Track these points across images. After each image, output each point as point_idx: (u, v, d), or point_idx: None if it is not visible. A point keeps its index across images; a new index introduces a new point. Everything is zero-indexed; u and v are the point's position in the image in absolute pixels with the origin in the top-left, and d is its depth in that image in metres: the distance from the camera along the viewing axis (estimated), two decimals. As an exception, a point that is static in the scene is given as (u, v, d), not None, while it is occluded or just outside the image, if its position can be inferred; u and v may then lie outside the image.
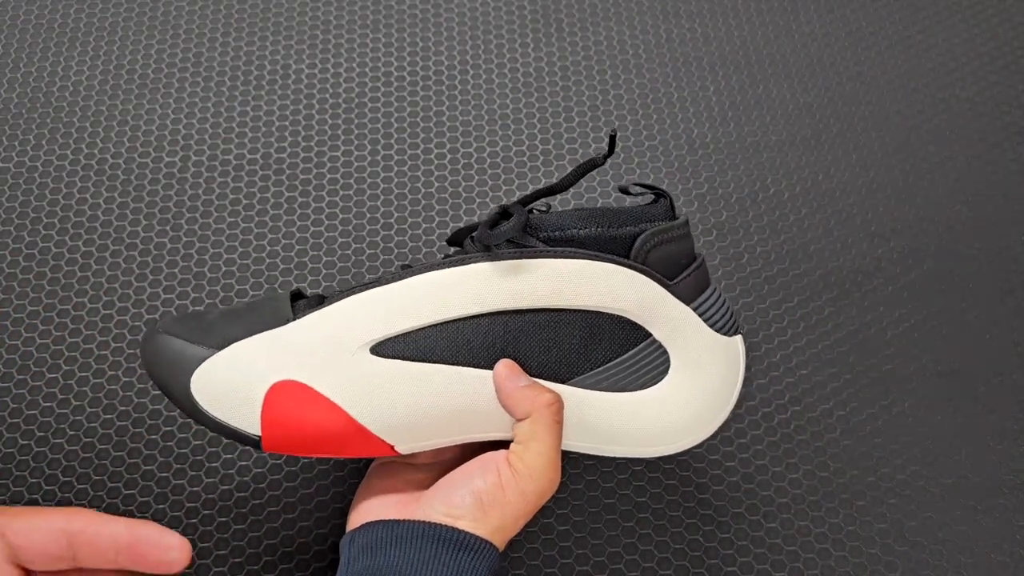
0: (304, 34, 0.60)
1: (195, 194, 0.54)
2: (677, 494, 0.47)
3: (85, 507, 0.45)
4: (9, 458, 0.46)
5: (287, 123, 0.56)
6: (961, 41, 0.61)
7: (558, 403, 0.38)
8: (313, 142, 0.56)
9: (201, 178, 0.54)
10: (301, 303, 0.40)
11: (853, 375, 0.50)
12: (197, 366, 0.37)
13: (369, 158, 0.55)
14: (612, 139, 0.38)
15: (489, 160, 0.56)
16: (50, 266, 0.51)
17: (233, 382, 0.37)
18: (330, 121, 0.57)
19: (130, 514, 0.45)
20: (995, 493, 0.47)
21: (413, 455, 0.42)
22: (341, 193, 0.54)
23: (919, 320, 0.52)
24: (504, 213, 0.39)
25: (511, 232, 0.37)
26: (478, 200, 0.54)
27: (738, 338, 0.41)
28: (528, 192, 0.41)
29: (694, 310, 0.40)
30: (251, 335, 0.38)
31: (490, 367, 0.38)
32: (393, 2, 0.61)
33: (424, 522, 0.36)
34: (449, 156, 0.56)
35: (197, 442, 0.47)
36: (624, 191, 0.41)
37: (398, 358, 0.37)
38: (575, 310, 0.38)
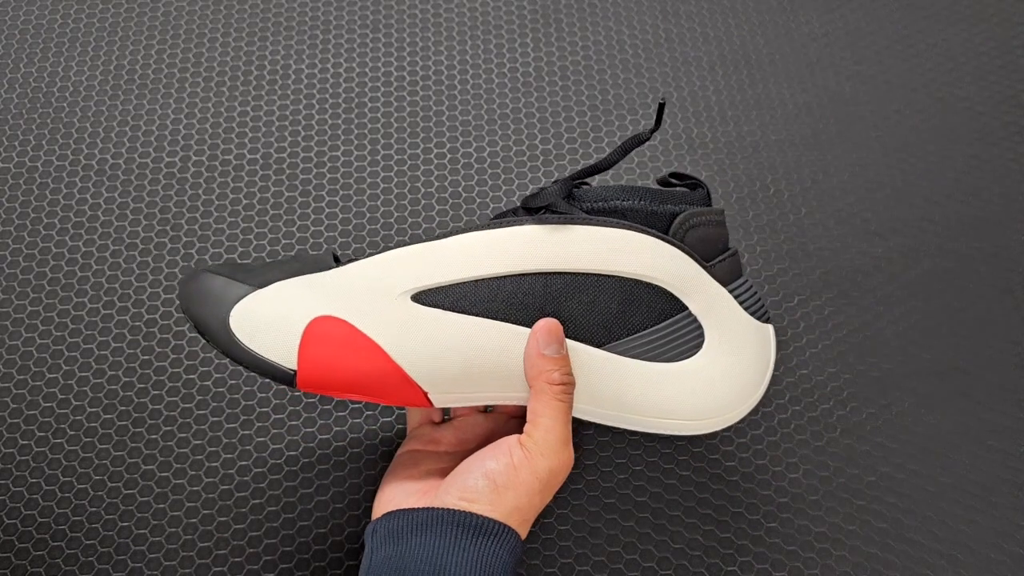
0: (304, 34, 0.60)
1: (195, 194, 0.54)
2: (677, 494, 0.47)
3: (85, 507, 0.45)
4: (9, 458, 0.46)
5: (287, 123, 0.56)
6: (960, 41, 0.61)
7: (564, 384, 0.38)
8: (313, 142, 0.56)
9: (201, 178, 0.54)
10: (343, 260, 0.40)
11: (853, 375, 0.50)
12: (238, 301, 0.38)
13: (369, 158, 0.55)
14: (660, 109, 0.38)
15: (489, 160, 0.56)
16: (50, 266, 0.51)
17: (273, 316, 0.37)
18: (330, 121, 0.57)
19: (130, 514, 0.45)
20: (994, 492, 0.47)
21: (436, 443, 0.43)
22: (341, 193, 0.54)
23: (918, 319, 0.52)
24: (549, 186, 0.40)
25: (554, 196, 0.38)
26: (478, 200, 0.54)
27: (770, 327, 0.42)
28: (574, 172, 0.42)
29: (729, 292, 0.40)
30: (294, 277, 0.39)
31: (529, 324, 0.38)
32: (393, 2, 0.61)
33: (442, 508, 0.37)
34: (449, 156, 0.56)
35: (197, 442, 0.47)
36: (662, 183, 0.42)
37: (439, 307, 0.38)
38: (615, 276, 0.39)
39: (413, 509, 0.37)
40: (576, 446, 0.48)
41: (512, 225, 0.38)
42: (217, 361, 0.49)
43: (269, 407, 0.48)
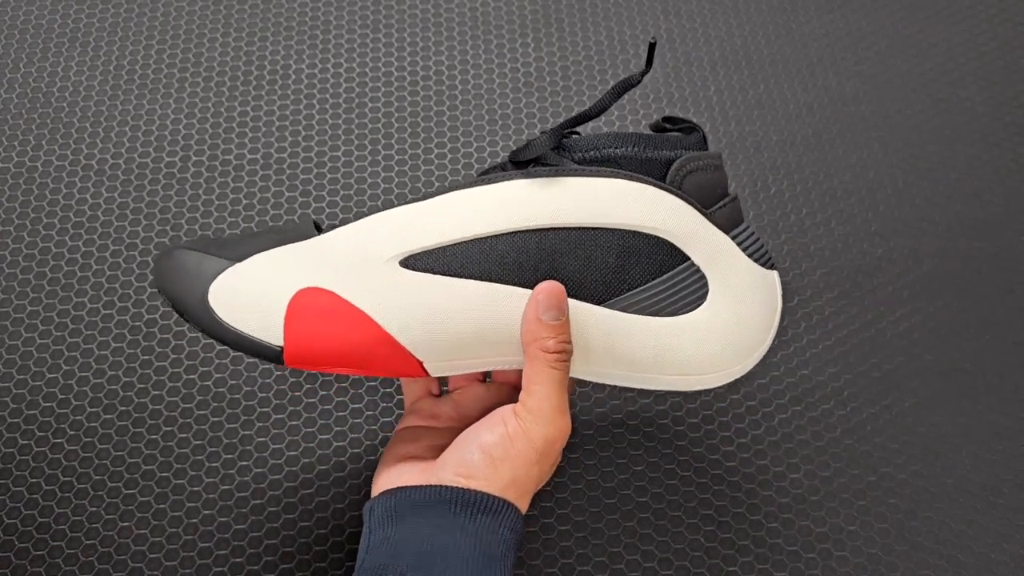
0: (304, 34, 0.60)
1: (195, 194, 0.54)
2: (677, 494, 0.47)
3: (85, 507, 0.45)
4: (9, 458, 0.46)
5: (287, 123, 0.56)
6: (961, 41, 0.61)
7: (560, 352, 0.36)
8: (313, 142, 0.56)
9: (201, 178, 0.54)
10: (325, 227, 0.39)
11: (853, 375, 0.50)
12: (216, 276, 0.36)
13: (369, 158, 0.55)
14: (651, 48, 0.37)
15: (489, 160, 0.55)
16: (50, 266, 0.51)
17: (255, 290, 0.35)
18: (330, 121, 0.57)
19: (130, 514, 0.45)
20: (995, 493, 0.47)
21: (435, 418, 0.41)
22: (341, 193, 0.54)
23: (919, 320, 0.52)
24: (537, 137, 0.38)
25: (542, 148, 0.36)
26: (478, 200, 0.54)
27: (774, 273, 0.40)
28: (562, 120, 0.40)
29: (731, 239, 0.39)
30: (274, 248, 0.37)
31: (524, 285, 0.36)
32: (393, 2, 0.61)
33: (439, 486, 0.36)
34: (449, 156, 0.56)
35: (197, 442, 0.47)
36: (656, 127, 0.40)
37: (429, 271, 0.36)
38: (611, 229, 0.37)
39: (411, 487, 0.36)
40: (576, 446, 0.48)
41: (501, 181, 0.37)
42: (217, 361, 0.49)
43: (269, 407, 0.48)
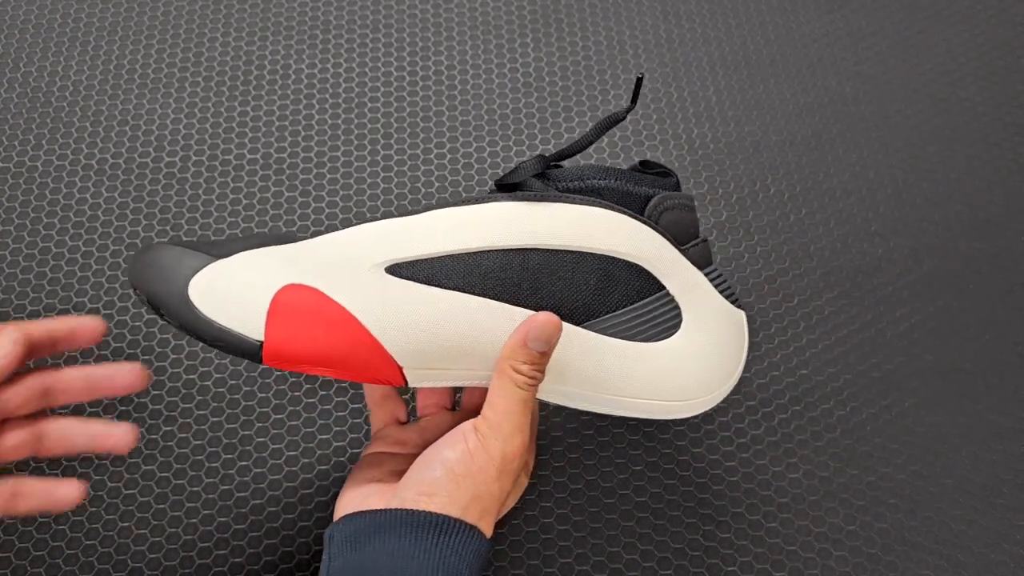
0: (304, 34, 0.60)
1: (195, 194, 0.54)
2: (677, 494, 0.47)
3: (85, 507, 0.45)
4: (9, 458, 0.46)
5: (287, 123, 0.56)
6: (961, 41, 0.61)
7: (530, 377, 0.37)
8: (313, 142, 0.56)
9: (201, 178, 0.54)
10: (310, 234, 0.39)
11: (853, 375, 0.50)
12: (198, 271, 0.35)
13: (369, 158, 0.55)
14: (638, 84, 0.38)
15: (489, 160, 0.56)
16: (50, 266, 0.51)
17: (238, 284, 0.35)
18: (330, 121, 0.57)
19: (130, 514, 0.45)
20: (995, 493, 0.47)
21: (402, 445, 0.41)
22: (341, 193, 0.54)
23: (919, 320, 0.52)
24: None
25: (530, 172, 0.38)
26: (478, 200, 0.54)
27: (742, 312, 0.42)
28: (550, 154, 0.41)
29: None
30: (258, 248, 0.36)
31: (506, 300, 0.37)
32: (393, 2, 0.61)
33: (400, 509, 0.35)
34: (449, 156, 0.56)
35: (197, 442, 0.47)
36: (635, 169, 0.41)
37: (414, 280, 0.36)
38: (593, 253, 0.38)
39: (372, 511, 0.36)
40: (576, 446, 0.48)
41: (489, 201, 0.38)
42: (217, 361, 0.49)
43: (269, 407, 0.48)
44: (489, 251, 0.37)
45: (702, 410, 0.41)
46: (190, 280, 0.35)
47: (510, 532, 0.45)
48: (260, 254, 0.36)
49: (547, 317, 0.37)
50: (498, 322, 0.37)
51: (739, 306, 0.42)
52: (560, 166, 0.41)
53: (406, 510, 0.35)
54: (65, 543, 0.44)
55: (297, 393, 0.48)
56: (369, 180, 0.55)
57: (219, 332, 0.34)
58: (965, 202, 0.55)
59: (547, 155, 0.39)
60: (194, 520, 0.45)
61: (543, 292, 0.37)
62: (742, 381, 0.49)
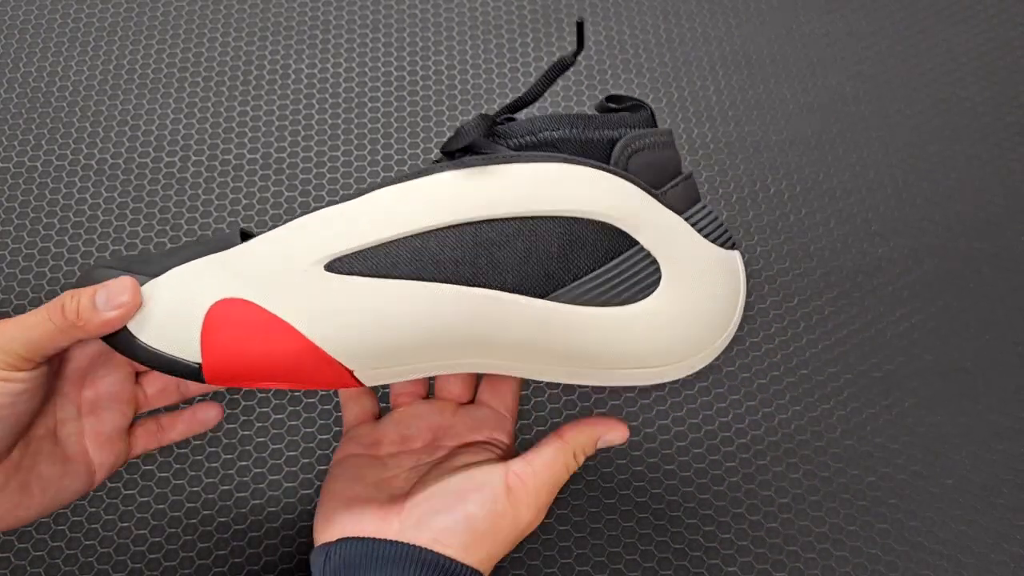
0: (304, 34, 0.60)
1: (195, 194, 0.54)
2: (677, 494, 0.47)
3: (85, 507, 0.45)
4: (9, 458, 0.46)
5: (287, 123, 0.56)
6: (962, 41, 0.61)
7: (578, 465, 0.38)
8: (313, 142, 0.56)
9: (201, 178, 0.54)
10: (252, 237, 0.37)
11: (853, 375, 0.50)
12: None
13: (369, 158, 0.55)
14: (579, 28, 0.34)
15: (489, 160, 0.55)
16: (50, 266, 0.51)
17: (169, 306, 0.33)
18: (330, 121, 0.57)
19: (130, 514, 0.45)
20: (995, 493, 0.47)
21: (377, 445, 0.40)
22: (341, 193, 0.54)
23: (920, 320, 0.52)
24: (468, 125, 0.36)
25: (473, 134, 0.34)
26: (478, 200, 0.54)
27: (736, 253, 0.38)
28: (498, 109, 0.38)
29: (685, 220, 0.36)
30: (192, 260, 0.35)
31: (461, 282, 0.34)
32: (393, 2, 0.61)
33: (409, 544, 0.34)
34: (449, 156, 0.56)
35: (197, 442, 0.47)
36: (601, 109, 0.37)
37: (356, 274, 0.34)
38: (552, 217, 0.34)
39: (374, 539, 0.34)
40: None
41: (429, 173, 0.34)
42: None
43: (269, 407, 0.48)
44: (436, 230, 0.34)
45: (698, 367, 0.37)
46: None
47: (510, 532, 0.45)
48: (190, 269, 0.34)
49: (621, 433, 0.38)
50: (455, 308, 0.34)
51: (731, 245, 0.37)
52: (513, 119, 0.38)
53: (413, 546, 0.34)
54: (65, 543, 0.44)
55: (297, 393, 0.48)
56: (369, 180, 0.55)
57: (157, 357, 0.33)
58: (965, 202, 0.55)
59: (491, 113, 0.36)
60: (194, 520, 0.45)
61: (499, 266, 0.34)
62: (742, 381, 0.49)
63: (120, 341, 0.34)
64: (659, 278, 0.35)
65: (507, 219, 0.34)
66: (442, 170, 0.34)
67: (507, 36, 0.60)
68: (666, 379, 0.36)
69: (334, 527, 0.36)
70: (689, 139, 0.57)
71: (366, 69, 0.59)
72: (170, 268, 0.34)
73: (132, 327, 0.33)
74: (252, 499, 0.46)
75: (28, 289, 0.51)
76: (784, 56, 0.60)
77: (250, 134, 0.56)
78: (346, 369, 0.34)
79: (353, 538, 0.35)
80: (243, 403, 0.48)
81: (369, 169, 0.55)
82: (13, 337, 0.32)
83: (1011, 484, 0.47)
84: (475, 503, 0.35)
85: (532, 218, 0.34)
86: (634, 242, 0.35)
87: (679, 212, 0.36)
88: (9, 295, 0.51)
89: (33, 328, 0.32)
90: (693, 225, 0.36)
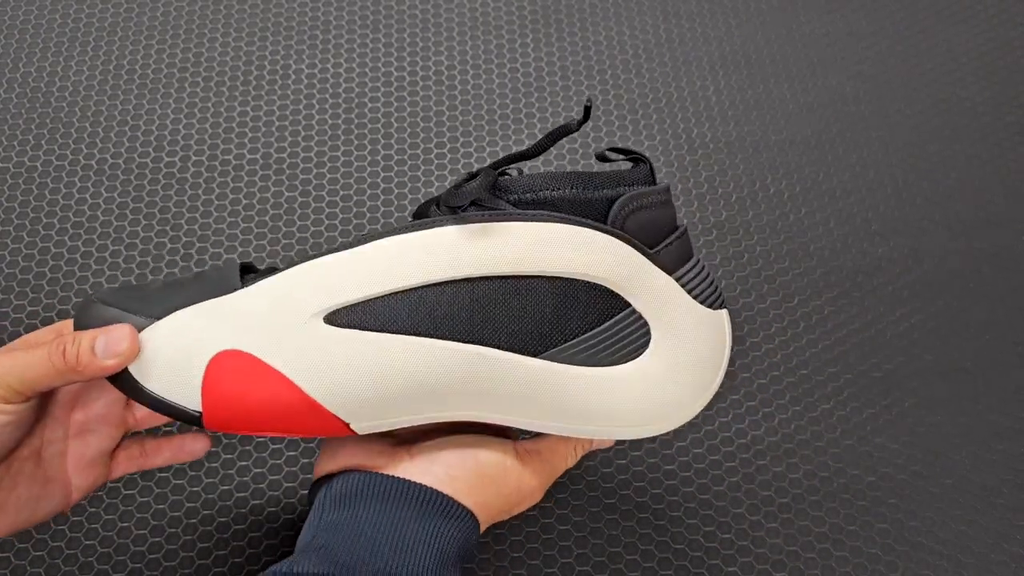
0: (304, 34, 0.60)
1: (195, 194, 0.54)
2: (677, 494, 0.47)
3: (85, 507, 0.45)
4: (9, 458, 0.46)
5: (287, 123, 0.56)
6: (962, 41, 0.61)
7: (577, 451, 0.39)
8: (313, 142, 0.56)
9: (201, 178, 0.54)
10: (251, 276, 0.37)
11: (853, 375, 0.50)
12: None
13: (369, 158, 0.55)
14: (587, 109, 0.35)
15: (489, 160, 0.55)
16: (50, 266, 0.51)
17: (171, 353, 0.34)
18: (330, 121, 0.57)
19: (130, 514, 0.45)
20: (995, 493, 0.47)
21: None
22: (341, 193, 0.54)
23: (919, 320, 0.52)
24: (471, 176, 0.36)
25: (477, 192, 0.35)
26: (478, 200, 0.54)
27: (723, 312, 0.38)
28: (498, 159, 0.39)
29: (676, 281, 0.37)
30: (194, 304, 0.35)
31: (455, 338, 0.35)
32: (393, 2, 0.61)
33: (410, 481, 0.35)
34: (449, 156, 0.56)
35: (197, 442, 0.47)
36: (601, 158, 0.38)
37: (354, 327, 0.34)
38: (547, 277, 0.35)
39: (377, 473, 0.35)
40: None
41: (430, 227, 0.35)
42: (217, 361, 0.49)
43: (269, 407, 0.48)
44: (434, 285, 0.34)
45: (679, 424, 0.38)
46: None
47: (510, 532, 0.45)
48: (192, 315, 0.35)
49: (609, 440, 0.40)
50: (450, 364, 0.35)
51: (720, 304, 0.38)
52: (510, 172, 0.38)
53: (414, 482, 0.35)
54: (65, 543, 0.44)
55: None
56: (369, 180, 0.55)
57: (159, 402, 0.34)
58: (965, 202, 0.55)
59: (495, 163, 0.36)
60: (194, 520, 0.45)
61: (493, 324, 0.35)
62: (742, 381, 0.49)
63: (124, 384, 0.34)
64: (648, 340, 0.36)
65: (504, 277, 0.35)
66: (444, 224, 0.35)
67: (507, 36, 0.60)
68: (647, 435, 0.37)
69: (339, 459, 0.37)
70: (689, 139, 0.57)
71: (366, 69, 0.59)
72: (170, 310, 0.35)
73: (135, 372, 0.34)
74: (252, 499, 0.46)
75: (28, 289, 0.51)
76: (784, 56, 0.60)
77: (250, 134, 0.56)
78: (342, 421, 0.35)
79: (358, 470, 0.36)
80: (243, 403, 0.48)
81: (369, 169, 0.55)
82: (9, 371, 0.33)
83: (1011, 484, 0.47)
84: (486, 454, 0.37)
85: (528, 277, 0.35)
86: (626, 304, 0.36)
87: (672, 271, 0.37)
88: (9, 295, 0.51)
89: (31, 367, 0.33)
90: (685, 285, 0.37)
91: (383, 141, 0.56)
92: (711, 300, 0.38)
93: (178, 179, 0.54)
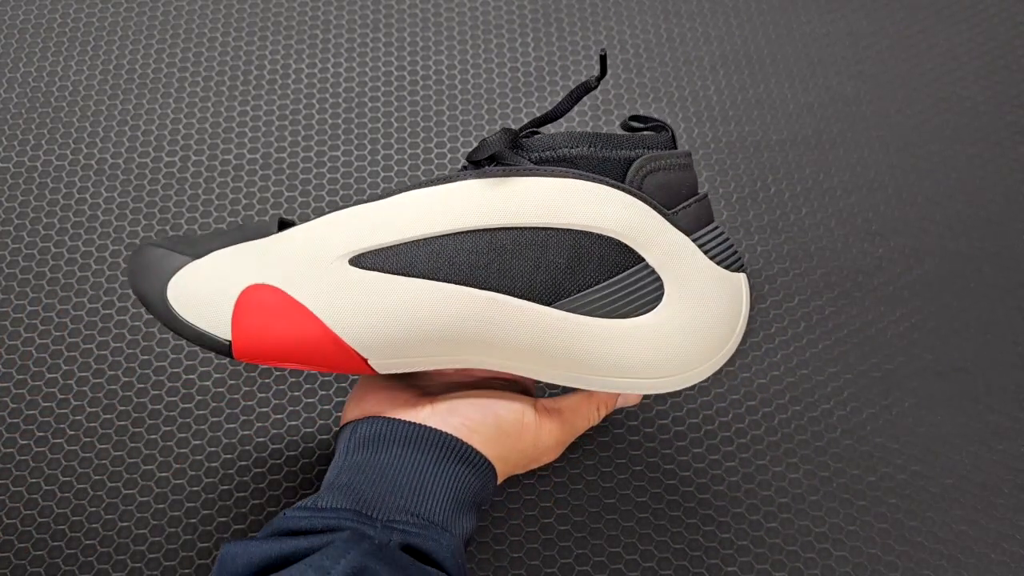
0: (304, 34, 0.60)
1: (195, 194, 0.54)
2: (677, 494, 0.47)
3: (85, 507, 0.45)
4: (9, 458, 0.46)
5: (287, 123, 0.56)
6: (962, 40, 0.61)
7: (600, 410, 0.41)
8: (313, 142, 0.56)
9: (201, 178, 0.54)
10: (287, 226, 0.40)
11: (853, 375, 0.50)
12: (175, 272, 0.37)
13: (369, 158, 0.55)
14: (603, 60, 0.37)
15: (489, 160, 0.56)
16: (50, 266, 0.51)
17: (208, 286, 0.37)
18: (330, 121, 0.57)
19: (130, 514, 0.45)
20: (995, 493, 0.47)
21: (421, 375, 0.42)
22: (341, 193, 0.54)
23: (919, 319, 0.52)
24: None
25: (497, 145, 0.37)
26: (478, 200, 0.54)
27: (742, 276, 0.39)
28: (524, 123, 0.40)
29: (694, 241, 0.38)
30: (232, 246, 0.38)
31: (473, 284, 0.37)
32: (393, 2, 0.61)
33: (433, 428, 0.37)
34: (449, 156, 0.56)
35: (197, 442, 0.47)
36: (625, 127, 0.40)
37: (377, 270, 0.36)
38: (563, 229, 0.37)
39: (402, 420, 0.37)
40: (576, 446, 0.48)
41: (454, 180, 0.37)
42: (217, 361, 0.49)
43: (269, 407, 0.48)
44: (454, 234, 0.36)
45: (692, 383, 0.39)
46: (167, 282, 0.37)
47: (510, 532, 0.45)
48: (230, 254, 0.38)
49: (636, 396, 0.42)
50: (465, 308, 0.36)
51: (739, 268, 0.39)
52: (537, 132, 0.39)
53: (436, 430, 0.37)
54: (65, 543, 0.44)
55: (297, 393, 0.48)
56: (369, 180, 0.55)
57: (194, 331, 0.37)
58: (966, 201, 0.55)
59: (516, 127, 0.38)
60: (194, 520, 0.45)
61: (511, 273, 0.37)
62: (742, 381, 0.49)
63: (161, 312, 0.37)
64: (661, 294, 0.37)
65: (522, 228, 0.37)
66: (466, 178, 0.37)
67: (507, 36, 0.60)
68: (659, 391, 0.39)
69: (364, 407, 0.39)
70: (689, 139, 0.57)
71: (366, 69, 0.59)
72: (211, 250, 0.38)
73: (174, 303, 0.37)
74: (252, 499, 0.46)
75: (28, 289, 0.51)
76: (784, 56, 0.60)
77: (250, 134, 0.56)
78: (361, 357, 0.37)
79: (381, 416, 0.38)
80: (243, 403, 0.48)
81: (369, 169, 0.55)
82: None
83: (1011, 484, 0.47)
84: (505, 408, 0.38)
85: (545, 229, 0.37)
86: (640, 258, 0.37)
87: (690, 232, 0.38)
88: (9, 295, 0.51)
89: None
90: (702, 246, 0.38)
91: (383, 141, 0.56)
92: (729, 262, 0.39)
93: (178, 179, 0.54)
